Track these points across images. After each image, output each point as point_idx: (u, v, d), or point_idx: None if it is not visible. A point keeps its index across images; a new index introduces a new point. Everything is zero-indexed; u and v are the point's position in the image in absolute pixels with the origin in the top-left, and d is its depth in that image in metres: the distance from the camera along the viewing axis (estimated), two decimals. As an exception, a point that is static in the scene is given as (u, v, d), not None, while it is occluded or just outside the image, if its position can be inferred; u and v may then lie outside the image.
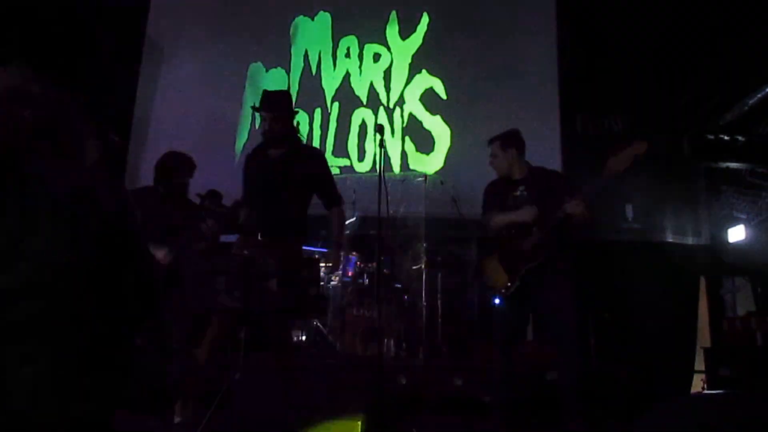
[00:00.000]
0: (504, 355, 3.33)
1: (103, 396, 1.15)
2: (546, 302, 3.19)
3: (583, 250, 3.40)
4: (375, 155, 5.77)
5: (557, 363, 3.26)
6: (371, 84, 6.15)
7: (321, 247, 5.08)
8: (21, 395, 1.04)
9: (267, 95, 3.16)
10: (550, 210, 3.16)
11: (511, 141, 3.39)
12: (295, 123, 3.24)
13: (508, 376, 3.33)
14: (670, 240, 5.58)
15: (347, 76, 6.18)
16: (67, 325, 1.11)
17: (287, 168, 3.17)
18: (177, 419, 3.29)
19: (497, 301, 3.39)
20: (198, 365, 3.06)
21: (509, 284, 3.22)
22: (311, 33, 6.32)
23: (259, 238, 3.06)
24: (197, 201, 3.53)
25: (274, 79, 6.21)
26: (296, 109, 3.28)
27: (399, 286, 5.19)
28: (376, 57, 6.21)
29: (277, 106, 3.11)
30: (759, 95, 5.22)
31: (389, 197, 3.11)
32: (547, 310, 3.20)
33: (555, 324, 3.17)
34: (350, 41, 6.26)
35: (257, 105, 3.16)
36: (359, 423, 1.67)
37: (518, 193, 3.33)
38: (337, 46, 6.26)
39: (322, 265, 4.61)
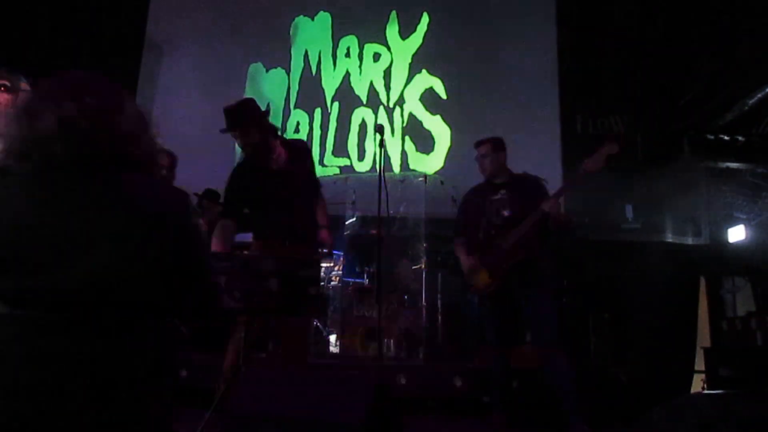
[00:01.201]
0: (498, 356, 3.35)
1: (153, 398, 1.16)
2: (528, 301, 3.22)
3: (583, 250, 3.41)
4: (375, 155, 5.77)
5: (544, 362, 3.26)
6: (371, 84, 6.15)
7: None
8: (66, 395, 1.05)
9: (227, 113, 3.01)
10: (528, 210, 3.22)
11: (501, 145, 3.50)
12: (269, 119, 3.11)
13: (505, 376, 3.34)
14: (670, 240, 5.58)
15: (347, 76, 6.18)
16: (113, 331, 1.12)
17: (296, 173, 3.13)
18: None
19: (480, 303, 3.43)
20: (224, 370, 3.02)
21: (490, 283, 3.25)
22: (311, 33, 6.32)
23: (285, 245, 3.03)
24: (195, 200, 3.54)
25: (274, 79, 6.22)
26: (264, 111, 3.10)
27: (399, 286, 5.19)
28: (376, 57, 6.21)
29: (240, 121, 2.98)
30: (759, 95, 5.22)
31: (389, 197, 3.11)
32: (529, 310, 3.23)
33: (537, 323, 3.21)
34: (350, 41, 6.26)
35: (225, 128, 3.06)
36: (359, 423, 1.68)
37: (498, 196, 3.41)
38: (337, 45, 6.26)
39: (324, 265, 4.60)
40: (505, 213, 3.33)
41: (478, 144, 3.51)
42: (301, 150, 3.27)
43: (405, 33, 6.22)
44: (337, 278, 5.13)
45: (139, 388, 1.12)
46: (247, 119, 2.99)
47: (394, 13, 6.27)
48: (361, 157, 5.95)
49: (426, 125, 5.98)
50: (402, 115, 6.04)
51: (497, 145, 3.47)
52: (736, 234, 5.63)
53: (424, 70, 6.11)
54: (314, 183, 3.31)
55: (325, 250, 3.22)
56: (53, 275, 1.08)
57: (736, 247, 5.59)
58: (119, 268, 1.11)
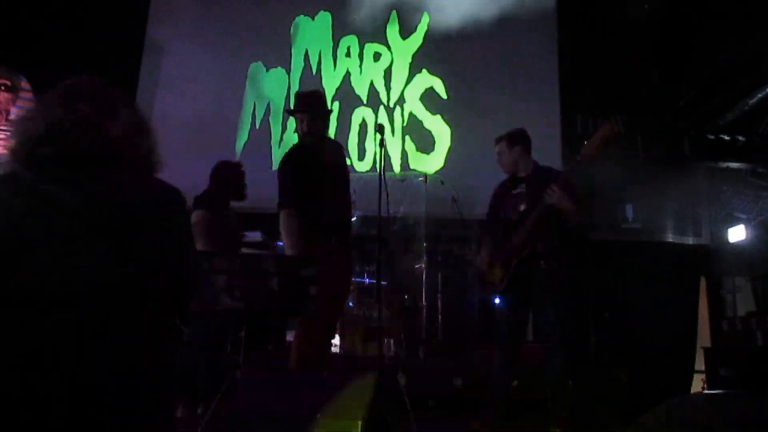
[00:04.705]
0: (503, 356, 3.33)
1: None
2: (536, 296, 3.21)
3: (583, 250, 3.41)
4: (375, 155, 5.77)
5: (545, 358, 3.25)
6: (371, 83, 6.15)
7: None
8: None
9: (300, 96, 3.00)
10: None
11: (516, 139, 3.43)
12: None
13: (508, 377, 3.32)
14: (670, 240, 5.58)
15: (347, 76, 6.18)
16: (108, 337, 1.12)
17: (345, 170, 3.11)
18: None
19: (497, 300, 3.40)
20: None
21: (503, 278, 3.25)
22: (311, 32, 6.32)
23: (333, 242, 2.99)
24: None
25: (274, 79, 6.21)
26: (330, 108, 3.13)
27: (399, 286, 5.19)
28: (377, 56, 6.20)
29: (312, 106, 2.97)
30: (759, 95, 5.22)
31: (389, 197, 3.10)
32: (536, 305, 3.21)
33: (542, 318, 3.19)
34: (350, 40, 6.25)
35: (291, 108, 3.05)
36: (359, 423, 1.67)
37: (517, 191, 3.38)
38: (338, 45, 6.26)
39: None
40: (521, 208, 3.29)
41: (497, 141, 3.48)
42: (341, 148, 3.25)
43: (405, 33, 6.22)
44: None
45: (135, 387, 1.12)
46: (320, 108, 2.96)
47: (394, 13, 6.26)
48: (362, 156, 5.95)
49: (426, 125, 5.98)
50: (402, 115, 6.04)
51: (512, 140, 3.41)
52: (736, 234, 5.63)
53: (424, 70, 6.10)
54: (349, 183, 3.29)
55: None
56: (49, 274, 1.09)
57: (736, 247, 5.59)
58: (110, 266, 1.12)
